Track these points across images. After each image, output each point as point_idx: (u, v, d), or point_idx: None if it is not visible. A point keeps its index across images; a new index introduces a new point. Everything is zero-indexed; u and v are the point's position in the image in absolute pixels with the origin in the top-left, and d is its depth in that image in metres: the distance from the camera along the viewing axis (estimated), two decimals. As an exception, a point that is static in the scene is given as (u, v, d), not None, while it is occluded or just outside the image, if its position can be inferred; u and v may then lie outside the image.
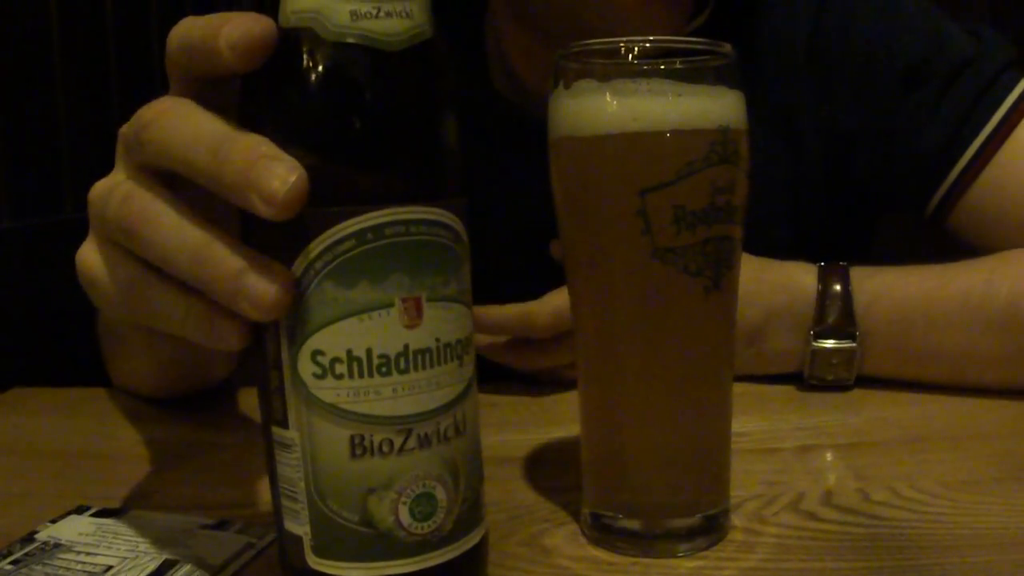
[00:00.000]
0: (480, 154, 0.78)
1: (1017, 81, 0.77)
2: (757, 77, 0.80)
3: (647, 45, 0.46)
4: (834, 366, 0.70)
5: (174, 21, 0.40)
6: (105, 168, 0.44)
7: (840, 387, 0.71)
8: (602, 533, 0.48)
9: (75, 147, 1.00)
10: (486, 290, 0.76)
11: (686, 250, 0.45)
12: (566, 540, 0.49)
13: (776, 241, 0.74)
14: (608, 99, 0.45)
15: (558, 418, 0.68)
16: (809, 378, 0.71)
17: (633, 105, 0.44)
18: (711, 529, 0.48)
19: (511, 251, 0.79)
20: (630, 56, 0.46)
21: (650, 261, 0.45)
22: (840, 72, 0.81)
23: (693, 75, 0.45)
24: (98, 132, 1.04)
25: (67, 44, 1.00)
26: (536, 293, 0.75)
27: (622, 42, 0.46)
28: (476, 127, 0.80)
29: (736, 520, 0.50)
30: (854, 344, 0.69)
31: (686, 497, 0.48)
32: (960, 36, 0.80)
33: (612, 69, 0.45)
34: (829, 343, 0.70)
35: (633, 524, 0.48)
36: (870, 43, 0.79)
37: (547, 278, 0.74)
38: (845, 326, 0.70)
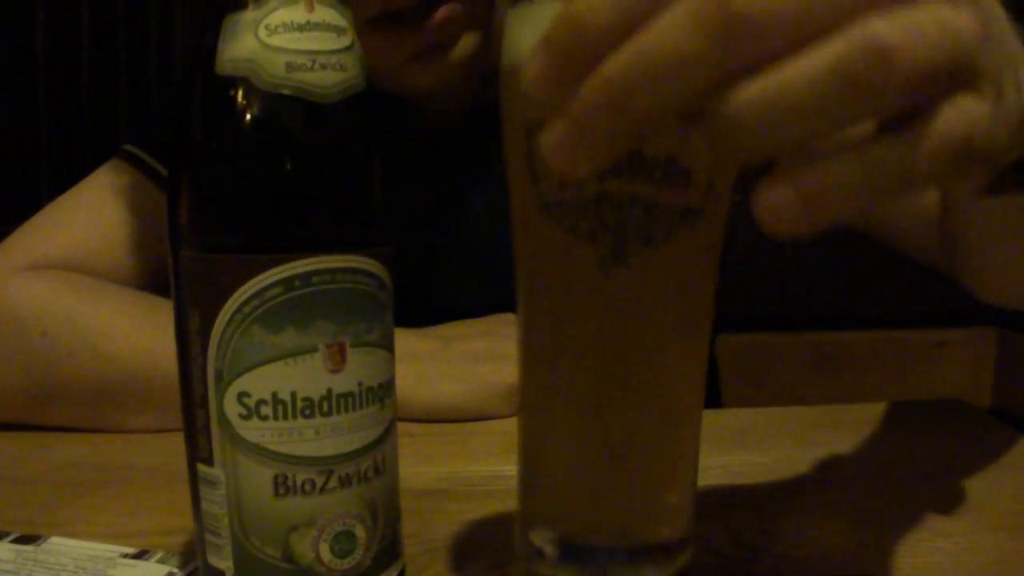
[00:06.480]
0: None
1: None
2: None
3: None
4: None
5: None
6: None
7: None
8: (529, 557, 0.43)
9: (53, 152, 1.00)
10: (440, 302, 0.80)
11: (573, 205, 0.37)
12: (482, 572, 0.50)
13: None
14: (517, 24, 0.39)
15: (475, 452, 0.69)
16: None
17: (533, 30, 0.37)
18: (648, 559, 0.42)
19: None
20: None
21: (539, 217, 0.38)
22: None
23: None
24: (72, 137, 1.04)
25: (49, 57, 1.00)
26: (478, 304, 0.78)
27: None
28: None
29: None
30: None
31: (610, 517, 0.42)
32: None
33: None
34: None
35: (551, 544, 0.42)
36: None
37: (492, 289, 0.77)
38: None
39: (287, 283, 0.38)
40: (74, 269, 0.80)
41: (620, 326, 0.39)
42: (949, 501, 0.59)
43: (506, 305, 0.80)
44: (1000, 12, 0.36)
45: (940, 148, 0.29)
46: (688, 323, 0.40)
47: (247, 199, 0.39)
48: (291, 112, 0.39)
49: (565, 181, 0.36)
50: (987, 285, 0.70)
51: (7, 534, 0.54)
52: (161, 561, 0.51)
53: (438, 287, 0.90)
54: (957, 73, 0.29)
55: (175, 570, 0.50)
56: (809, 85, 0.28)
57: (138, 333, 0.74)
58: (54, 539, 0.54)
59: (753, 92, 0.28)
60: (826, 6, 0.28)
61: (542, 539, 0.43)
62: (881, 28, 0.27)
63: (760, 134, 0.28)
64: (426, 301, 0.82)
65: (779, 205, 0.29)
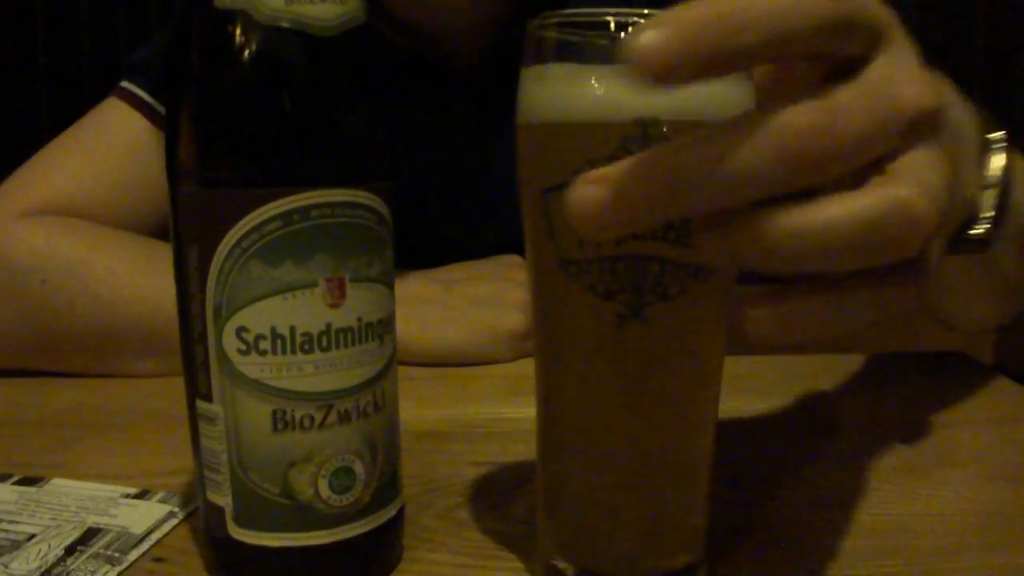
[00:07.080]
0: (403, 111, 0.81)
1: None
2: None
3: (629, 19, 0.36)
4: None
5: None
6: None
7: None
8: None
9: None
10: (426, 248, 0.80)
11: (591, 265, 0.38)
12: (480, 513, 0.50)
13: None
14: (532, 83, 0.40)
15: (475, 394, 0.70)
16: None
17: (550, 91, 0.39)
18: None
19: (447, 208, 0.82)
20: (581, 33, 0.38)
21: (557, 272, 0.39)
22: None
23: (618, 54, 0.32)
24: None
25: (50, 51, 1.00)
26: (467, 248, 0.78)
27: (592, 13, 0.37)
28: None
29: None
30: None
31: (626, 547, 0.42)
32: None
33: (550, 48, 0.39)
34: None
35: (569, 566, 0.43)
36: None
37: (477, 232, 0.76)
38: None
39: (286, 217, 0.38)
40: (72, 213, 0.80)
41: (636, 375, 0.40)
42: (949, 451, 0.59)
43: (517, 247, 0.80)
44: (954, 104, 0.41)
45: (907, 297, 0.34)
46: (703, 363, 0.41)
47: (245, 132, 0.38)
48: (290, 45, 0.38)
49: (583, 241, 0.37)
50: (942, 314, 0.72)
51: (9, 476, 0.55)
52: (162, 501, 0.51)
53: (452, 228, 0.89)
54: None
55: (176, 509, 0.50)
56: (842, 230, 0.30)
57: (138, 279, 0.73)
58: (56, 480, 0.54)
59: (792, 224, 0.30)
60: (872, 149, 0.31)
61: (561, 563, 0.43)
62: (911, 195, 0.31)
63: (783, 260, 0.31)
64: (439, 242, 0.81)
65: (759, 321, 0.34)
